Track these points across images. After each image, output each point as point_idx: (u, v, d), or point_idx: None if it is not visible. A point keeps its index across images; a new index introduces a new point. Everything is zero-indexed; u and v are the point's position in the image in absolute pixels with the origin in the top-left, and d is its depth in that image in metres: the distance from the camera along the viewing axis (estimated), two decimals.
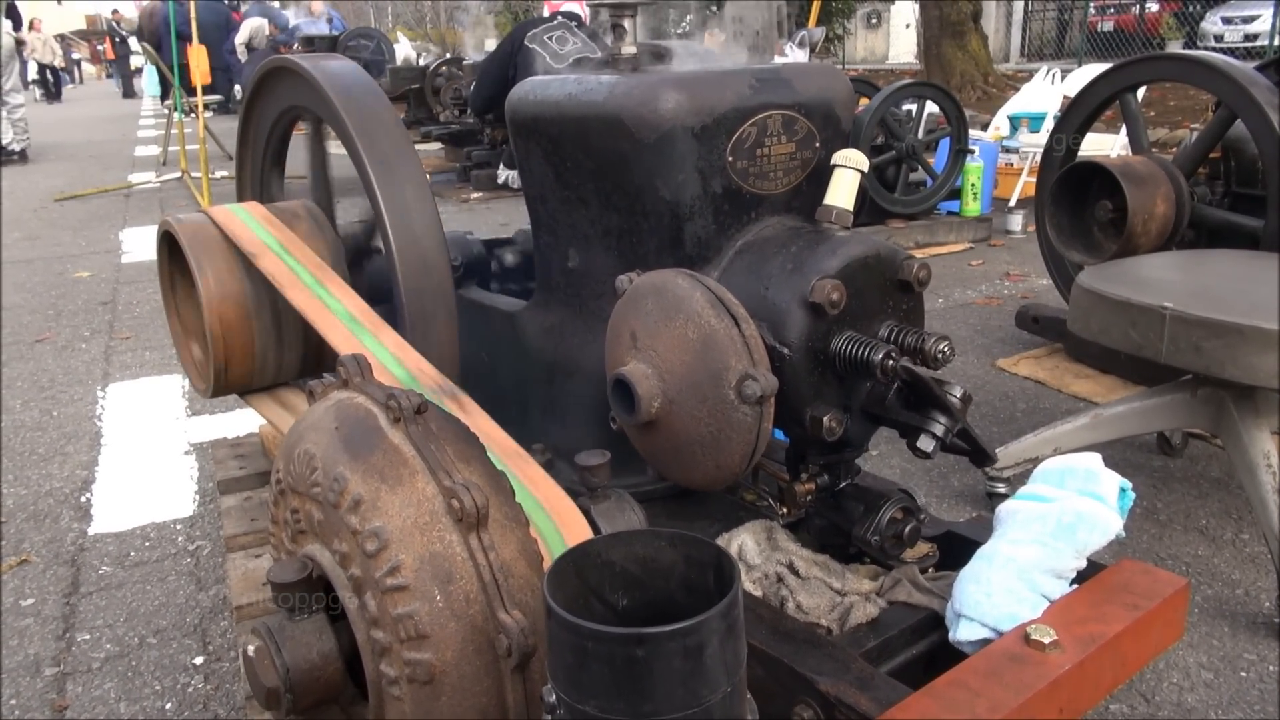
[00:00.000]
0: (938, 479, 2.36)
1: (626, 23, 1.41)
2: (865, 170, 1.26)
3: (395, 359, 1.16)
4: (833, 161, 1.27)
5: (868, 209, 4.60)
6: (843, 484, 1.27)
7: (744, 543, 1.30)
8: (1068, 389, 2.85)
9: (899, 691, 1.03)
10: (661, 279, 1.07)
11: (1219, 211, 2.58)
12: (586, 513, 0.99)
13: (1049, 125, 5.26)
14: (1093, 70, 4.02)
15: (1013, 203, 5.37)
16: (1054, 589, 1.16)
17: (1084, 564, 1.18)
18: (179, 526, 2.27)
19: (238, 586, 1.64)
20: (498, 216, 6.15)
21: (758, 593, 1.24)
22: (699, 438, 1.06)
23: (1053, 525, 1.15)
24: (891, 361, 1.11)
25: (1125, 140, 4.41)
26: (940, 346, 1.15)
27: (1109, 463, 1.24)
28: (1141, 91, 2.88)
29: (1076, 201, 2.65)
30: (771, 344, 1.14)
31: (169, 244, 1.55)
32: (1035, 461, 2.15)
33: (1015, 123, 6.24)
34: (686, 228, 1.22)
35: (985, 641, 1.12)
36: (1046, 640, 1.07)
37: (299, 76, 1.54)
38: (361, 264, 1.64)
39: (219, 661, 1.76)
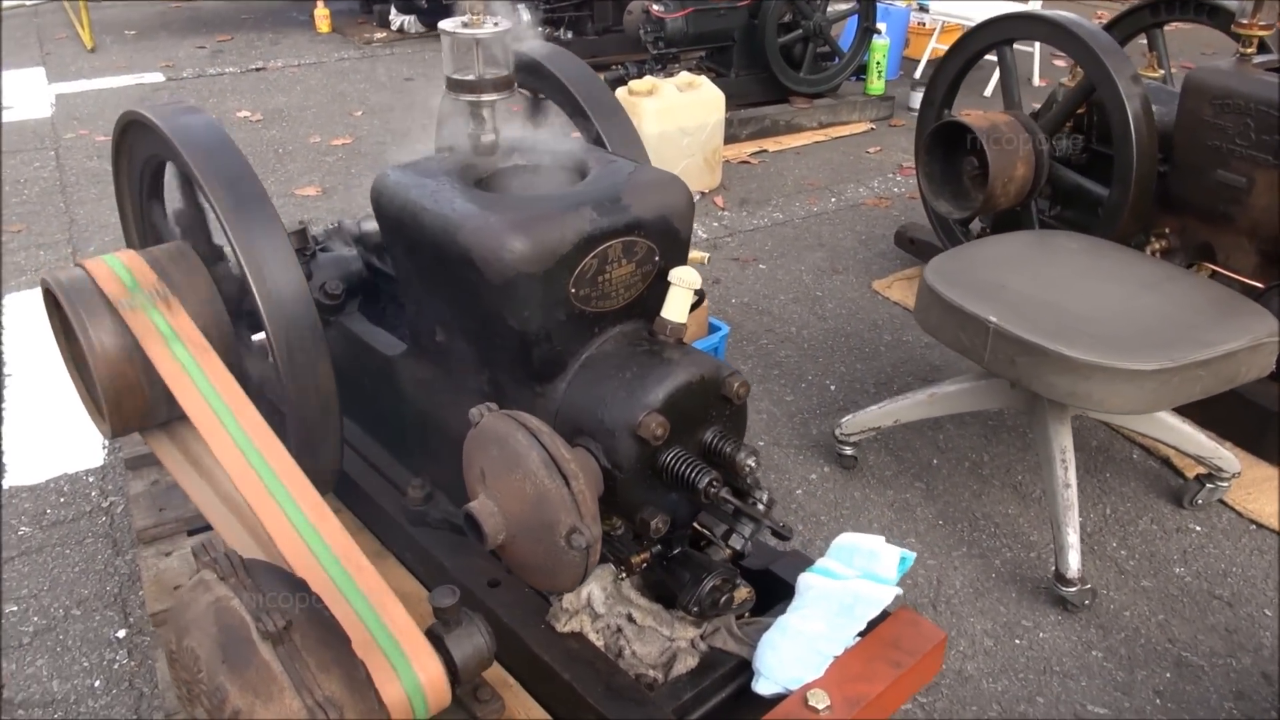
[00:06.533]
0: (799, 426, 2.60)
1: (485, 112, 1.48)
2: (699, 288, 1.40)
3: (273, 474, 1.31)
4: (669, 279, 1.40)
5: (774, 88, 4.62)
6: (674, 552, 1.49)
7: (592, 592, 1.52)
8: None
9: None
10: (504, 430, 1.23)
11: (1073, 175, 2.74)
12: (440, 640, 1.19)
13: None
14: None
15: (919, 70, 5.41)
16: (838, 648, 1.42)
17: (864, 626, 1.44)
18: (91, 480, 2.39)
19: (151, 590, 1.80)
20: (402, 67, 5.93)
21: (600, 643, 1.48)
22: (537, 565, 1.26)
23: (835, 606, 1.41)
24: (714, 489, 1.31)
25: None
26: (748, 462, 1.35)
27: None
28: None
29: (950, 152, 2.79)
30: (605, 465, 1.32)
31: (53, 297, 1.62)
32: (878, 430, 2.41)
33: None
34: (534, 351, 1.36)
35: (780, 695, 1.39)
36: (821, 706, 1.34)
37: (155, 131, 1.56)
38: (242, 301, 1.72)
39: (140, 635, 1.95)
